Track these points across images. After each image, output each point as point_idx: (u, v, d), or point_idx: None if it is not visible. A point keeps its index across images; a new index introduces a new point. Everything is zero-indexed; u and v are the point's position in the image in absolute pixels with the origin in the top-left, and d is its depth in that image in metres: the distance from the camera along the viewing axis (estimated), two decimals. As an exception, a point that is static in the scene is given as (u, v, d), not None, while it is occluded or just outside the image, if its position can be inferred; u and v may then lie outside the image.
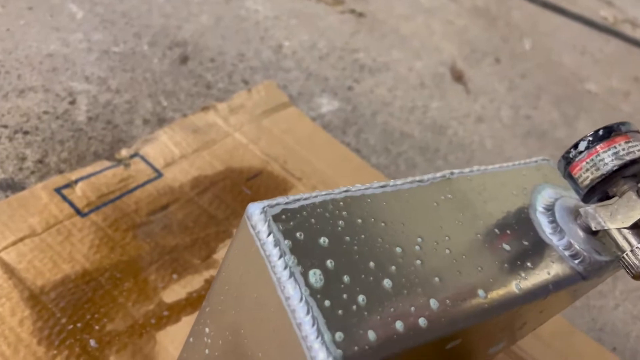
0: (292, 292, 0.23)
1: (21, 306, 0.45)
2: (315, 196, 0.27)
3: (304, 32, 0.92)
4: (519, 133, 0.91)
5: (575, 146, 0.28)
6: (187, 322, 0.49)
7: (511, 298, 0.28)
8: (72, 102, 0.64)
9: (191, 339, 0.37)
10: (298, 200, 0.26)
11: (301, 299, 0.23)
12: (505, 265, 0.29)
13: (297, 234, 0.25)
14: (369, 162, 0.72)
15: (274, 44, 0.87)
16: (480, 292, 0.27)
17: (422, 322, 0.25)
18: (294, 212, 0.26)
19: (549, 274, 0.29)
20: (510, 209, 0.32)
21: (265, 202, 0.26)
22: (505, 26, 1.20)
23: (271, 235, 0.25)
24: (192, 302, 0.50)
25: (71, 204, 0.53)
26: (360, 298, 0.24)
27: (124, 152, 0.60)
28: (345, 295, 0.24)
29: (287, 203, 0.26)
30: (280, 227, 0.25)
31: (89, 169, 0.57)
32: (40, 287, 0.47)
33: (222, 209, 0.59)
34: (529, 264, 0.29)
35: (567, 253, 0.30)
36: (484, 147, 0.84)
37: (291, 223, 0.25)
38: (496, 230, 0.30)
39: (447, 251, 0.28)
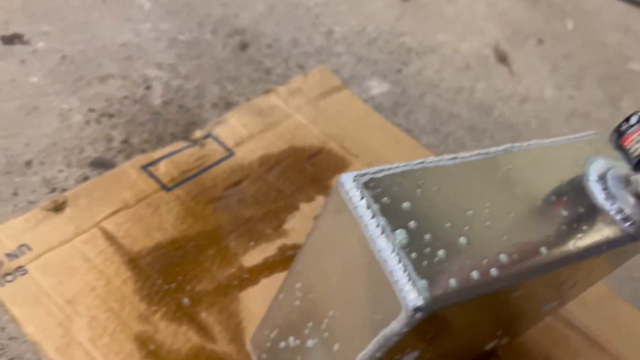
0: (384, 246, 0.28)
1: (123, 269, 0.52)
2: (396, 167, 0.31)
3: (353, 17, 0.96)
4: (562, 113, 0.93)
5: (627, 120, 0.32)
6: (264, 283, 0.54)
7: (569, 255, 0.32)
8: (148, 88, 0.70)
9: (281, 295, 0.42)
10: (382, 170, 0.31)
11: (392, 251, 0.28)
12: (563, 227, 0.33)
13: (384, 199, 0.29)
14: (419, 142, 0.77)
15: (325, 29, 0.92)
16: (543, 249, 0.31)
17: (493, 272, 0.29)
18: (379, 181, 0.30)
19: (602, 235, 0.33)
20: (566, 178, 0.36)
21: (355, 173, 0.30)
22: (548, 7, 1.21)
23: (363, 199, 0.29)
24: (268, 267, 0.56)
25: (157, 180, 0.60)
26: (441, 252, 0.28)
27: (198, 134, 0.66)
28: (427, 250, 0.28)
29: (373, 173, 0.30)
30: (370, 192, 0.29)
31: (168, 149, 0.63)
32: (137, 252, 0.53)
33: (288, 185, 0.64)
34: (584, 226, 0.33)
35: (618, 217, 0.34)
36: (529, 127, 0.87)
37: (378, 190, 0.30)
38: (553, 197, 0.34)
39: (512, 214, 0.32)
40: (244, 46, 0.82)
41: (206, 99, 0.72)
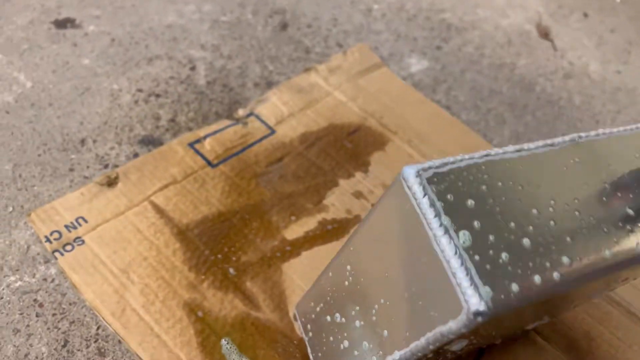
0: (447, 247, 0.27)
1: (172, 240, 0.54)
2: (461, 160, 0.30)
3: (392, -6, 0.96)
4: (608, 89, 0.91)
5: None
6: (306, 255, 0.56)
7: (633, 257, 0.31)
8: (192, 68, 0.73)
9: (330, 273, 0.43)
10: (446, 164, 0.30)
11: (455, 252, 0.27)
12: (628, 226, 0.32)
13: (448, 196, 0.29)
14: (459, 119, 0.76)
15: (364, 7, 0.92)
16: (607, 251, 0.30)
17: (556, 276, 0.28)
18: (443, 176, 0.29)
19: None
20: (634, 172, 0.34)
21: (419, 166, 0.29)
22: (595, -21, 1.17)
23: (426, 197, 0.28)
24: (309, 240, 0.58)
25: (203, 157, 0.62)
26: (504, 255, 0.28)
27: (241, 112, 0.68)
28: (491, 252, 0.27)
29: (437, 167, 0.30)
30: (434, 189, 0.29)
31: (213, 127, 0.65)
32: (186, 224, 0.56)
33: (327, 161, 0.66)
34: None
35: None
36: (572, 103, 0.86)
37: (442, 186, 0.29)
38: (619, 194, 0.33)
39: (577, 213, 0.31)
40: (284, 26, 0.83)
41: (248, 78, 0.73)
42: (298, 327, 0.50)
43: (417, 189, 0.29)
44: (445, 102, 0.80)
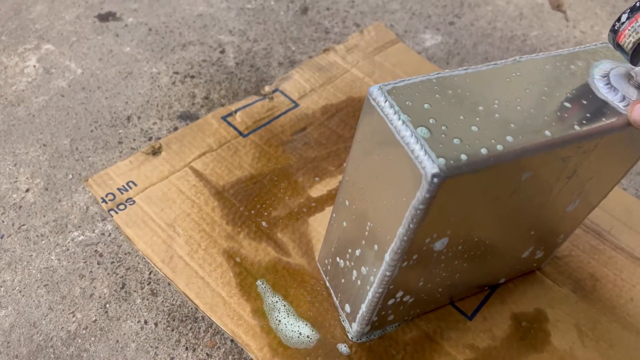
0: (406, 134, 0.34)
1: (211, 199, 0.62)
2: (415, 78, 0.37)
3: (406, -24, 1.01)
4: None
5: (619, 19, 0.36)
6: (329, 210, 0.62)
7: (572, 135, 0.36)
8: (222, 52, 0.80)
9: (334, 215, 0.49)
10: (402, 81, 0.37)
11: (412, 135, 0.34)
12: (566, 115, 0.37)
13: (407, 102, 0.35)
14: (471, 87, 0.81)
15: (380, -11, 0.97)
16: (547, 132, 0.36)
17: (499, 147, 0.34)
18: (400, 89, 0.36)
19: (604, 120, 0.37)
20: (571, 78, 0.40)
21: (381, 84, 0.36)
22: (608, -49, 1.19)
23: (387, 102, 0.35)
24: (332, 197, 0.64)
25: (235, 128, 0.69)
26: (456, 140, 0.34)
27: (267, 88, 0.75)
28: (444, 136, 0.34)
29: (395, 83, 0.37)
30: (393, 97, 0.36)
31: (243, 102, 0.72)
32: (222, 186, 0.63)
33: (347, 130, 0.72)
34: (587, 114, 0.37)
35: (621, 105, 0.38)
36: (582, 69, 0.89)
37: (400, 95, 0.36)
38: (557, 94, 0.38)
39: (519, 108, 0.37)
40: (304, 10, 0.89)
41: (273, 59, 0.80)
42: (321, 271, 0.56)
43: (380, 99, 0.36)
44: (458, 73, 0.84)
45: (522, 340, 0.55)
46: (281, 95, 0.74)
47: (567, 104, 0.38)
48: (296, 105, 0.74)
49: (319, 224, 0.61)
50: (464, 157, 0.33)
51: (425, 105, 0.36)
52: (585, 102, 0.38)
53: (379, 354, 0.52)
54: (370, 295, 0.46)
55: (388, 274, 0.42)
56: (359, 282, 0.47)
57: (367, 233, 0.44)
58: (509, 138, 0.35)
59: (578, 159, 0.40)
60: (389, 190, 0.38)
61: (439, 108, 0.36)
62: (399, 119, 0.35)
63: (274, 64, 0.80)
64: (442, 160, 0.33)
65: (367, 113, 0.38)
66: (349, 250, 0.48)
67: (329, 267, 0.54)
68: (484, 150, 0.34)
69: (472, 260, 0.48)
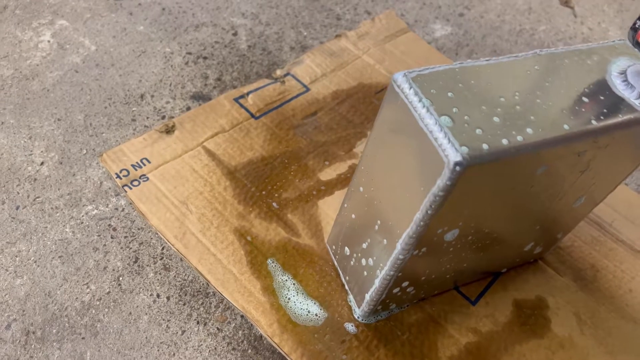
0: (430, 121, 0.35)
1: (223, 178, 0.63)
2: (439, 67, 0.38)
3: (418, -34, 1.02)
4: (625, 51, 0.95)
5: None
6: (338, 194, 0.64)
7: (589, 129, 0.37)
8: (235, 34, 0.80)
9: (346, 205, 0.51)
10: (426, 69, 0.38)
11: (435, 123, 0.35)
12: (583, 109, 0.38)
13: (431, 90, 0.36)
14: (479, 78, 0.82)
15: (391, -22, 0.98)
16: (565, 125, 0.37)
17: (519, 138, 0.35)
18: (425, 76, 0.37)
19: (621, 116, 0.38)
20: (589, 74, 0.41)
21: (406, 71, 0.37)
22: (617, -52, 1.20)
23: (412, 89, 0.36)
24: (341, 181, 0.65)
25: (247, 110, 0.70)
26: (478, 130, 0.35)
27: (279, 72, 0.75)
28: (466, 126, 0.35)
29: (419, 71, 0.37)
30: (418, 84, 0.36)
31: (255, 85, 0.73)
32: (234, 166, 0.64)
33: (357, 115, 0.73)
34: (604, 110, 0.39)
35: (637, 102, 0.39)
36: (588, 65, 0.91)
37: (424, 83, 0.37)
38: (575, 88, 0.39)
39: (538, 100, 0.38)
40: (316, -4, 0.90)
41: (285, 43, 0.81)
42: (330, 253, 0.58)
43: (405, 85, 0.36)
44: (466, 64, 0.85)
45: (523, 325, 0.56)
46: (292, 79, 0.75)
47: (585, 99, 0.39)
48: (307, 89, 0.74)
49: (328, 207, 0.62)
50: (485, 146, 0.34)
51: (449, 94, 0.37)
52: (602, 98, 0.39)
53: (385, 334, 0.53)
54: (377, 284, 0.47)
55: (401, 258, 0.43)
56: (365, 272, 0.49)
57: (379, 222, 0.45)
58: (529, 130, 0.36)
59: (592, 154, 0.41)
60: (408, 177, 0.39)
61: (462, 98, 0.37)
62: (423, 106, 0.35)
63: (285, 48, 0.80)
64: (465, 149, 0.33)
65: (390, 99, 0.39)
66: (357, 241, 0.49)
67: (338, 251, 0.55)
68: (505, 141, 0.35)
69: (478, 252, 0.49)
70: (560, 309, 0.58)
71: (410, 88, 0.36)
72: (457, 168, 0.33)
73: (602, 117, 0.38)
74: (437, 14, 0.93)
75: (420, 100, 0.36)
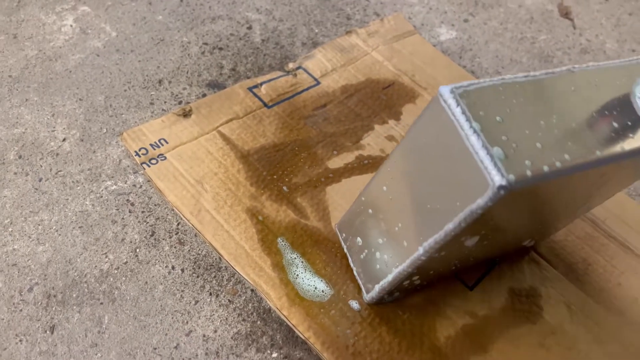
0: (477, 143, 0.36)
1: (237, 162, 0.65)
2: (483, 82, 0.39)
3: (426, -28, 1.05)
4: (621, 63, 0.99)
5: None
6: (345, 182, 0.67)
7: (617, 154, 0.40)
8: (249, 28, 0.83)
9: (363, 198, 0.53)
10: (472, 84, 0.39)
11: (482, 146, 0.36)
12: (613, 134, 0.41)
13: (480, 112, 0.37)
14: (482, 81, 0.86)
15: (400, -17, 1.01)
16: (597, 152, 0.39)
17: (558, 164, 0.37)
18: (471, 93, 0.38)
19: None
20: (617, 95, 0.43)
21: (452, 85, 0.38)
22: (617, -34, 1.25)
23: (459, 107, 0.37)
24: (348, 170, 0.68)
25: (260, 99, 0.73)
26: (522, 157, 0.36)
27: (291, 65, 0.79)
28: (513, 152, 0.36)
29: (466, 87, 0.38)
30: (465, 102, 0.37)
31: (268, 76, 0.76)
32: (247, 151, 0.67)
33: (365, 109, 0.76)
34: (630, 134, 0.41)
35: None
36: (586, 73, 0.94)
37: (472, 101, 0.37)
38: (606, 112, 0.42)
39: (574, 125, 0.40)
40: (328, -5, 0.93)
41: (297, 38, 0.84)
42: (339, 237, 0.61)
43: (452, 102, 0.37)
44: (470, 67, 0.89)
45: (517, 312, 0.59)
46: (304, 73, 0.78)
47: (615, 124, 0.41)
48: (318, 83, 0.78)
49: (335, 193, 0.65)
50: (529, 173, 0.36)
51: (497, 118, 0.38)
52: (629, 123, 0.42)
53: (387, 313, 0.56)
54: (390, 278, 0.50)
55: (422, 259, 0.44)
56: (378, 265, 0.51)
57: (400, 224, 0.47)
58: (567, 156, 0.38)
59: (613, 174, 0.44)
60: (444, 189, 0.41)
61: (509, 123, 0.38)
62: (471, 127, 0.37)
63: (297, 44, 0.83)
64: (509, 174, 0.35)
65: (433, 112, 0.40)
66: (374, 235, 0.51)
67: (348, 238, 0.58)
68: (545, 168, 0.37)
69: (485, 248, 0.52)
70: (552, 298, 0.61)
71: (458, 106, 0.37)
72: (502, 192, 0.35)
73: (628, 141, 0.41)
74: (442, 19, 0.96)
75: (467, 121, 0.37)
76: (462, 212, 0.39)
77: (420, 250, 0.44)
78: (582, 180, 0.43)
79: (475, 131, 0.36)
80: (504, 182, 0.35)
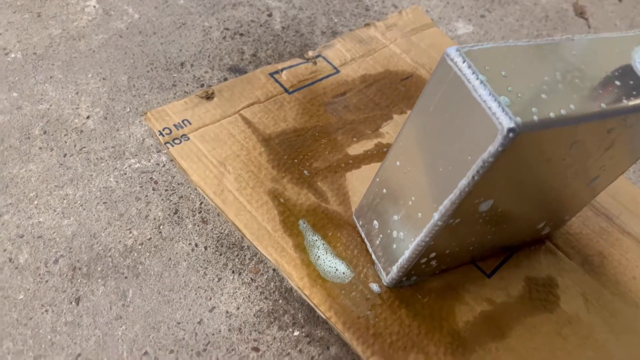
0: (484, 92, 0.38)
1: (259, 145, 0.66)
2: (487, 44, 0.42)
3: (443, -32, 1.06)
4: (635, 63, 1.00)
5: None
6: (364, 168, 0.67)
7: (622, 107, 0.41)
8: (270, 15, 0.84)
9: (377, 179, 0.54)
10: (475, 45, 0.41)
11: (489, 94, 0.38)
12: (616, 91, 0.42)
13: (485, 67, 0.40)
14: (498, 75, 0.86)
15: (417, -23, 1.02)
16: (602, 104, 0.41)
17: (563, 112, 0.39)
18: (476, 52, 0.40)
19: None
20: (618, 61, 0.45)
21: (458, 46, 0.41)
22: (631, -32, 1.25)
23: (465, 62, 0.40)
24: (368, 157, 0.69)
25: (281, 85, 0.73)
26: (529, 104, 0.38)
27: (311, 53, 0.79)
28: (519, 100, 0.38)
29: (470, 47, 0.41)
30: (471, 59, 0.40)
31: (288, 63, 0.76)
32: (269, 134, 0.67)
33: (384, 99, 0.77)
34: (634, 92, 0.43)
35: None
36: (600, 72, 0.95)
37: (477, 59, 0.40)
38: (608, 73, 0.43)
39: (577, 81, 0.42)
40: (347, -13, 0.94)
41: (316, 27, 0.84)
42: (357, 225, 0.61)
43: (458, 59, 0.40)
44: (486, 61, 0.90)
45: (534, 300, 0.60)
46: (323, 61, 0.79)
47: (617, 82, 0.43)
48: (337, 71, 0.78)
49: (355, 179, 0.66)
50: (535, 117, 0.38)
51: (502, 73, 0.40)
52: (631, 82, 0.44)
53: (406, 296, 0.57)
54: (407, 254, 0.50)
55: (439, 224, 0.46)
56: (394, 245, 0.52)
57: (413, 198, 0.48)
58: (572, 106, 0.40)
59: (619, 132, 0.45)
60: (455, 147, 0.43)
61: (513, 77, 0.40)
62: (477, 78, 0.39)
63: (317, 32, 0.84)
64: (517, 118, 0.37)
65: (440, 73, 0.42)
66: (389, 214, 0.52)
67: (365, 224, 0.58)
68: (552, 114, 0.39)
69: (500, 225, 0.53)
70: (568, 288, 0.62)
71: (464, 62, 0.40)
72: (511, 134, 0.37)
73: (632, 98, 0.42)
74: (459, 13, 0.97)
75: (474, 73, 0.39)
76: (475, 164, 0.40)
77: (436, 216, 0.45)
78: (589, 137, 0.44)
79: (482, 82, 0.38)
80: (512, 125, 0.36)
